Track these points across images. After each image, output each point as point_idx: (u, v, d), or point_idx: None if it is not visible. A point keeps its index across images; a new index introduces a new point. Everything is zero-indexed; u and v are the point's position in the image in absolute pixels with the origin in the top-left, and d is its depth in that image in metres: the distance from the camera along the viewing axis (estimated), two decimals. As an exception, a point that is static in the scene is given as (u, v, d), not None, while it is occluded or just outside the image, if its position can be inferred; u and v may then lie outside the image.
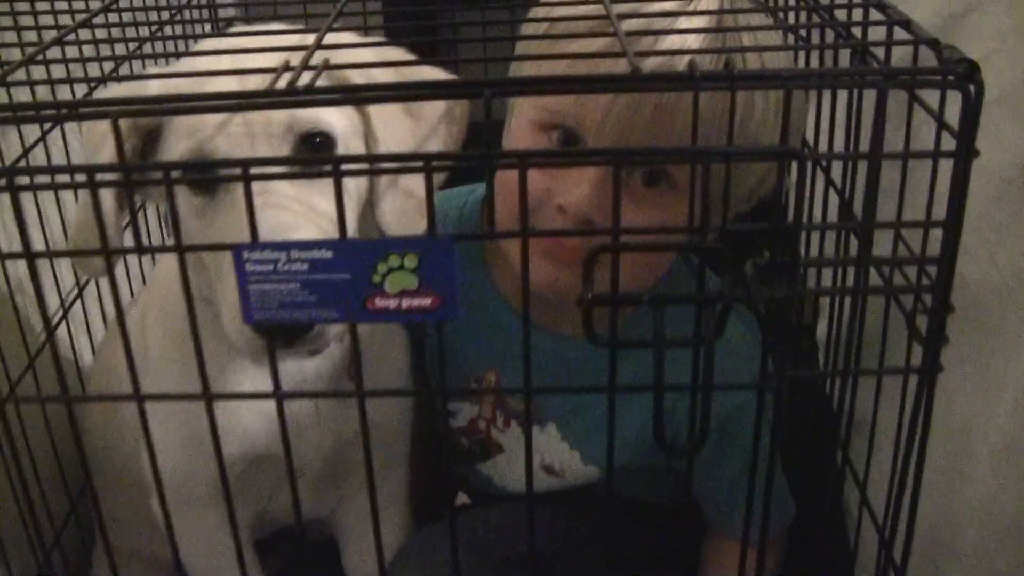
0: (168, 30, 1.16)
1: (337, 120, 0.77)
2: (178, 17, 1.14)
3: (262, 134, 0.73)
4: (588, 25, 0.71)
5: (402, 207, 0.83)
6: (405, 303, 0.59)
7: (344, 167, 0.56)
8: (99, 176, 0.57)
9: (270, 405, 0.87)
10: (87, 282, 1.16)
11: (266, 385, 0.88)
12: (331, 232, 0.71)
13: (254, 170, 0.56)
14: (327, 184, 0.57)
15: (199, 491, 0.89)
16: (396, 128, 0.80)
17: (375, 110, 0.78)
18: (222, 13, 1.31)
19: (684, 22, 0.78)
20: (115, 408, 1.02)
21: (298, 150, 0.75)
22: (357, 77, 0.74)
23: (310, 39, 0.73)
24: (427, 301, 0.59)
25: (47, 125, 0.94)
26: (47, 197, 1.09)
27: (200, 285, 0.74)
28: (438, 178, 0.87)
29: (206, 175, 0.62)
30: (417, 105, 0.81)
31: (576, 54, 0.75)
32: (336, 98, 0.56)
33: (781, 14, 0.79)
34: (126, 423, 1.01)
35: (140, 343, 0.96)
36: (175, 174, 0.58)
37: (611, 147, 0.77)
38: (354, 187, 0.78)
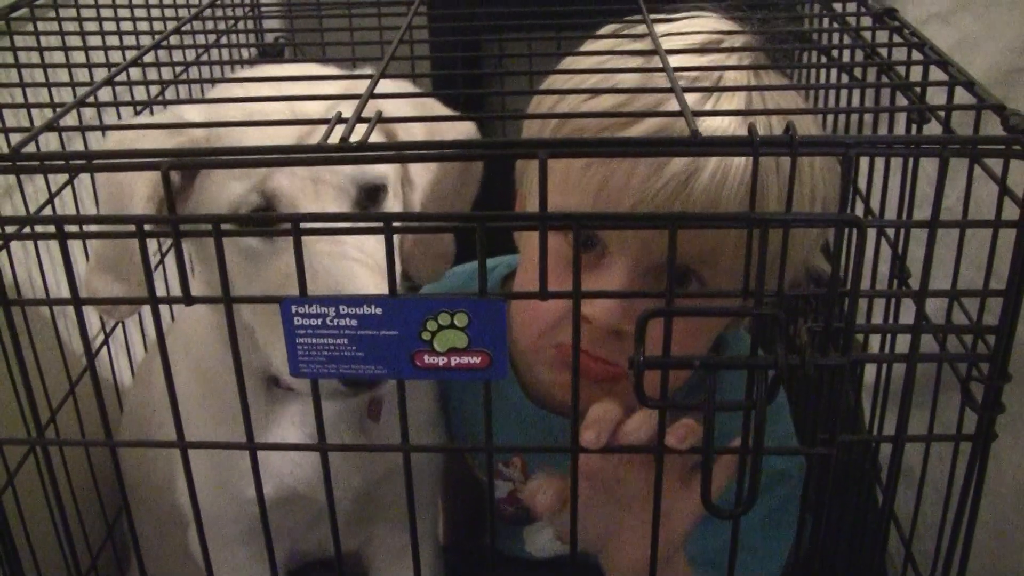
0: (214, 54, 1.17)
1: (389, 168, 0.78)
2: (224, 41, 1.14)
3: (329, 182, 0.72)
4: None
5: (425, 252, 0.83)
6: (454, 361, 0.59)
7: (395, 224, 0.56)
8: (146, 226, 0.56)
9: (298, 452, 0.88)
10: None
11: (292, 427, 0.89)
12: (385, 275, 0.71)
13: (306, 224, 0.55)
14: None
15: (229, 530, 0.89)
16: (424, 173, 0.81)
17: (414, 170, 0.79)
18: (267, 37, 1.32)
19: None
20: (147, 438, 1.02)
21: (359, 198, 0.75)
22: (400, 129, 0.74)
23: (352, 85, 0.73)
24: (476, 360, 0.59)
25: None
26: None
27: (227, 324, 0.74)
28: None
29: (260, 227, 0.61)
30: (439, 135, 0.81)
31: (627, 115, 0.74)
32: (390, 155, 0.56)
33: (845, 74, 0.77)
34: (159, 454, 1.01)
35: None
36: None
37: (634, 252, 0.77)
38: (399, 237, 0.79)
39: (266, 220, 0.60)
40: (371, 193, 0.76)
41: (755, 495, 0.62)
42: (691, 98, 0.73)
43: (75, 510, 0.97)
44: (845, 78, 0.87)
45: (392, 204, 0.78)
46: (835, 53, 0.87)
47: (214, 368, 0.88)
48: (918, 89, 0.69)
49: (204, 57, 1.07)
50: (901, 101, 0.74)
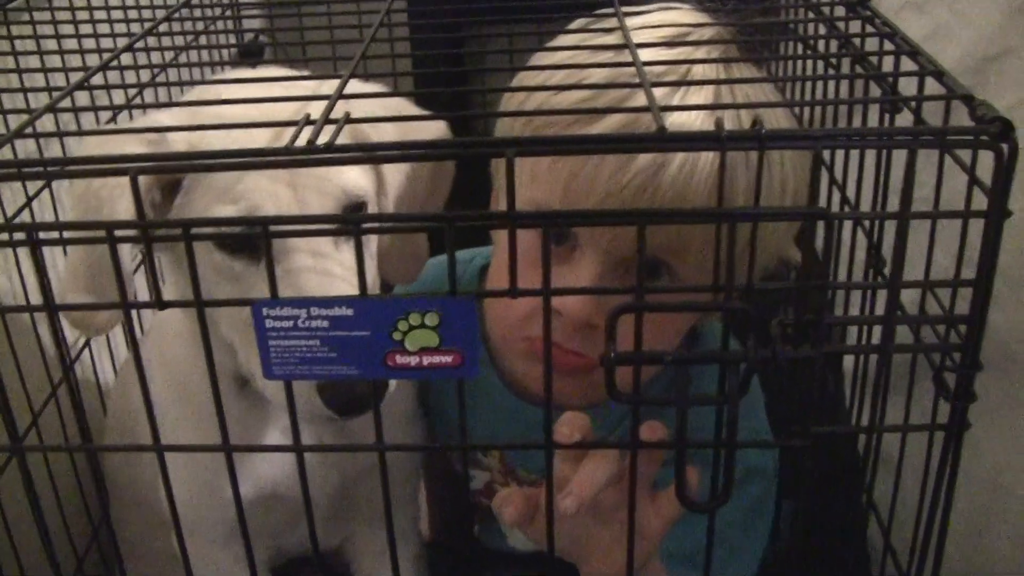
0: (192, 55, 1.17)
1: (367, 181, 0.77)
2: (203, 41, 1.13)
3: (312, 205, 0.72)
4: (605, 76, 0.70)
5: (400, 253, 0.84)
6: (426, 360, 0.59)
7: (365, 225, 0.56)
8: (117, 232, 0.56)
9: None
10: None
11: (269, 426, 0.89)
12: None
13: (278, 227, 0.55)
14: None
15: (211, 531, 0.90)
16: (396, 175, 0.81)
17: (387, 172, 0.79)
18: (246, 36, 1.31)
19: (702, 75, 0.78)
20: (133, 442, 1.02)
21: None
22: (371, 131, 0.74)
23: (325, 86, 0.73)
24: (448, 359, 0.59)
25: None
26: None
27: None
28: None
29: (238, 243, 0.60)
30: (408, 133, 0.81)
31: (595, 109, 0.74)
32: (359, 156, 0.55)
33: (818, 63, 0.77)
34: (144, 456, 1.01)
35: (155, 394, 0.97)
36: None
37: (604, 245, 0.77)
38: (375, 241, 0.79)
39: (236, 223, 0.60)
40: (353, 212, 0.75)
41: (730, 488, 0.62)
42: (659, 92, 0.74)
43: (59, 512, 0.97)
44: (818, 68, 0.87)
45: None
46: (808, 43, 0.87)
47: (188, 371, 0.88)
48: (891, 79, 0.69)
49: (182, 57, 1.07)
50: (874, 91, 0.74)
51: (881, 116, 0.71)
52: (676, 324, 0.83)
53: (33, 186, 0.92)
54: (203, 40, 1.23)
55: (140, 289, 1.03)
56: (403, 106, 0.81)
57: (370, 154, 0.54)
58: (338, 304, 0.58)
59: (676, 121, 0.73)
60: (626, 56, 0.67)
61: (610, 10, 0.77)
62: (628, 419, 0.91)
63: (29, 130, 0.63)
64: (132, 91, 1.00)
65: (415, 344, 0.58)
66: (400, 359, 0.59)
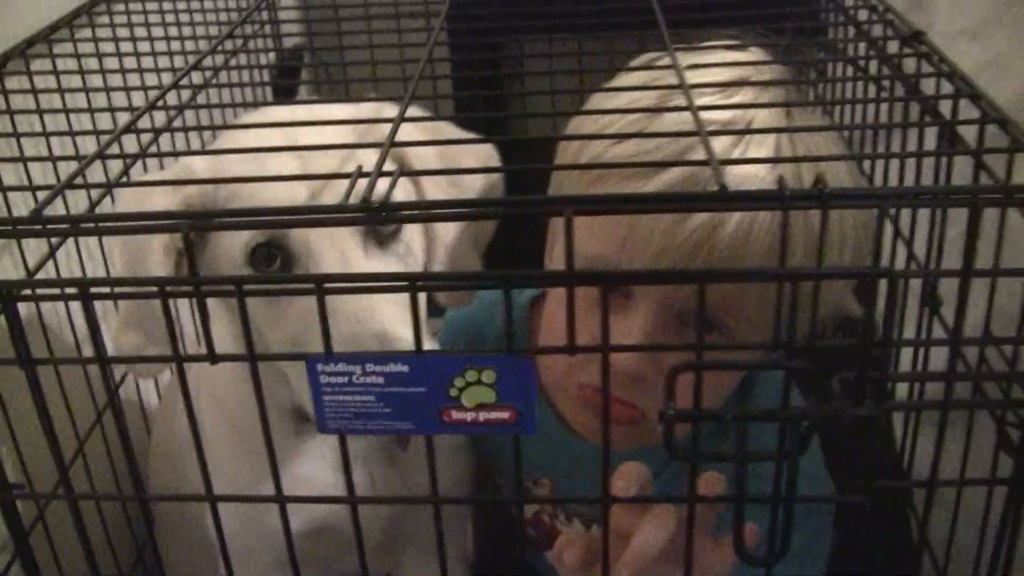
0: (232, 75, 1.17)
1: (405, 197, 0.77)
2: (233, 63, 1.13)
3: (340, 230, 0.72)
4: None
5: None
6: (483, 416, 0.58)
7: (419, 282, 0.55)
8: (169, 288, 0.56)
9: (328, 479, 0.88)
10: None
11: (320, 460, 0.88)
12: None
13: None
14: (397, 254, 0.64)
15: (258, 562, 0.89)
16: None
17: (428, 184, 0.78)
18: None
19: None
20: (180, 472, 1.02)
21: (373, 229, 0.75)
22: (416, 162, 0.74)
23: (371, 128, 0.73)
24: (505, 415, 0.58)
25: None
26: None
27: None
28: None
29: (279, 286, 0.60)
30: (459, 178, 0.81)
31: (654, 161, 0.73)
32: (416, 215, 0.55)
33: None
34: (189, 481, 1.01)
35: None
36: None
37: (659, 297, 0.77)
38: (419, 251, 0.78)
39: (288, 280, 0.60)
40: (387, 233, 0.76)
41: (788, 544, 0.62)
42: (719, 144, 0.72)
43: (104, 535, 0.97)
44: (881, 115, 0.85)
45: (411, 234, 0.77)
46: (863, 77, 0.85)
47: (237, 405, 0.88)
48: (950, 127, 0.67)
49: (222, 78, 1.06)
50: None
51: (937, 165, 0.70)
52: (729, 378, 0.82)
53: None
54: (242, 59, 1.23)
55: (187, 325, 1.04)
56: (448, 129, 0.80)
57: (426, 212, 0.53)
58: (393, 361, 0.57)
59: (737, 174, 0.72)
60: (682, 100, 0.66)
61: (662, 53, 0.76)
62: (677, 462, 0.90)
63: (80, 180, 0.63)
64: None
65: (472, 400, 0.58)
66: (456, 415, 0.58)
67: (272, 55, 1.55)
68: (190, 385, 0.97)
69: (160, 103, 0.76)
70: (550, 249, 0.89)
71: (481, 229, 0.84)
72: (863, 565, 0.97)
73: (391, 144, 0.61)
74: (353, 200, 0.53)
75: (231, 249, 0.76)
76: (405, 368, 0.57)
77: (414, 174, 0.57)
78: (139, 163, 0.71)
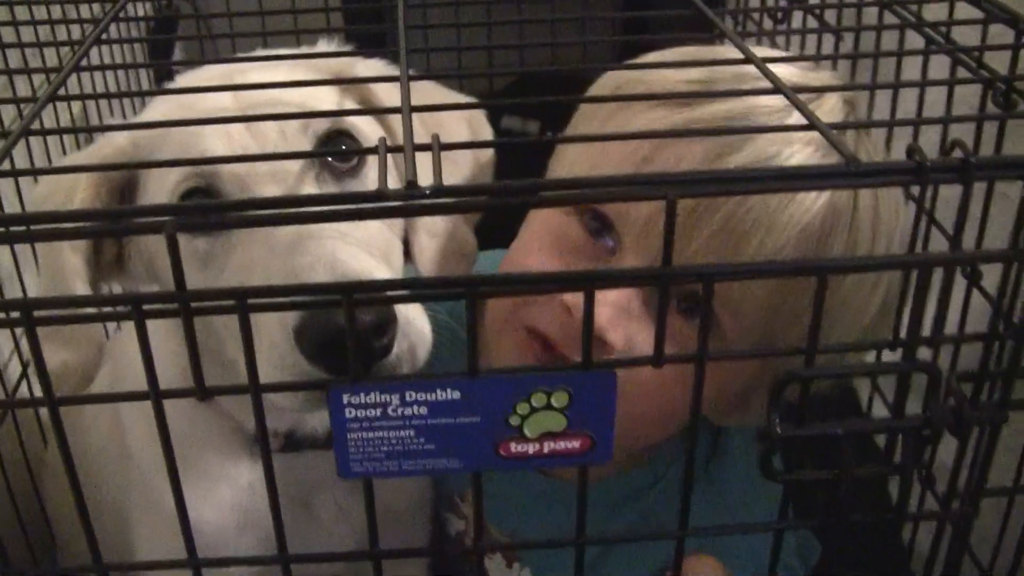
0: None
1: (360, 120, 0.67)
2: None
3: (273, 140, 0.63)
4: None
5: (445, 252, 0.71)
6: (548, 447, 0.47)
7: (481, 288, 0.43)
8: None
9: (286, 517, 0.76)
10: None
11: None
12: (381, 258, 0.60)
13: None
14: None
15: None
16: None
17: (395, 122, 0.67)
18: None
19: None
20: (91, 491, 0.87)
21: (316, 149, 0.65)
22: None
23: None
24: (575, 444, 0.48)
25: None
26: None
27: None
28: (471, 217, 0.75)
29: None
30: (439, 125, 0.70)
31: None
32: (475, 202, 0.43)
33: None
34: (101, 504, 0.87)
35: (112, 433, 0.82)
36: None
37: (649, 258, 0.67)
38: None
39: (316, 289, 0.47)
40: (334, 143, 0.65)
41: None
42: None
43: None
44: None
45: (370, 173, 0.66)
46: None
47: (173, 413, 0.74)
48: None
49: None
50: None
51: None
52: (730, 386, 0.73)
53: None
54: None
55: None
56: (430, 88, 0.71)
57: (478, 199, 0.41)
58: (442, 386, 0.45)
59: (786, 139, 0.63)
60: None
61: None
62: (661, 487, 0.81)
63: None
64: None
65: (536, 429, 0.47)
66: (516, 447, 0.47)
67: (147, 5, 1.37)
68: (107, 378, 0.83)
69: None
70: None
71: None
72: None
73: (411, 109, 0.48)
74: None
75: (157, 198, 0.65)
76: (456, 394, 0.46)
77: (450, 147, 0.44)
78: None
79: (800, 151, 0.64)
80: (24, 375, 0.98)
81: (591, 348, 0.45)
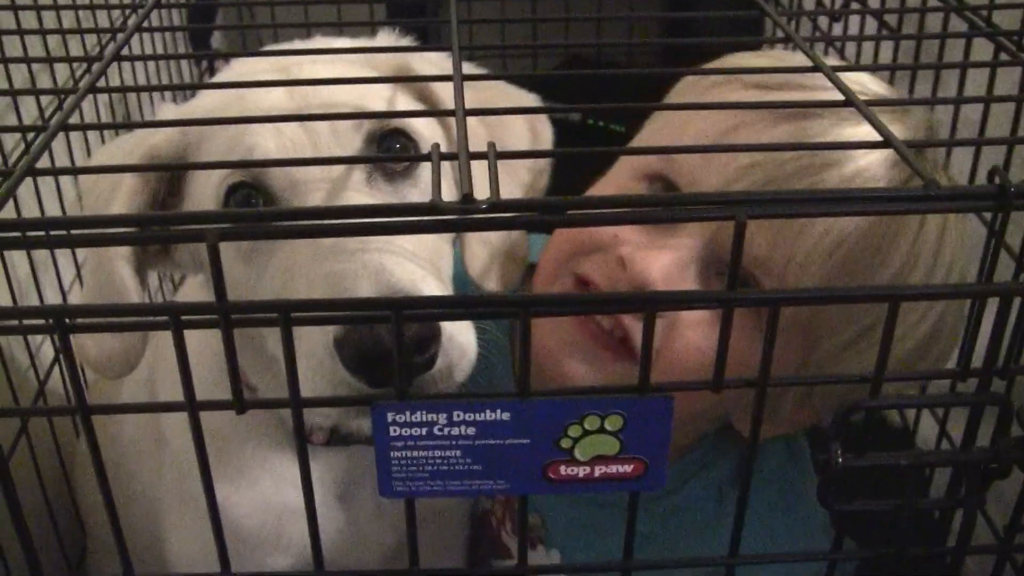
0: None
1: (420, 122, 0.65)
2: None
3: (326, 144, 0.61)
4: None
5: (491, 254, 0.69)
6: (599, 471, 0.46)
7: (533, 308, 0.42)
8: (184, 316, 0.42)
9: (321, 514, 0.74)
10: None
11: (316, 485, 0.74)
12: (428, 264, 0.58)
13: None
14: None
15: None
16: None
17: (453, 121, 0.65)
18: None
19: None
20: (123, 485, 0.87)
21: (369, 149, 0.63)
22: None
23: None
24: (628, 468, 0.46)
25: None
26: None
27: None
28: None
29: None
30: (501, 126, 0.69)
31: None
32: (529, 218, 0.41)
33: None
34: (133, 498, 0.86)
35: (147, 421, 0.81)
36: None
37: (710, 234, 0.66)
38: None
39: (366, 305, 0.45)
40: (388, 142, 0.63)
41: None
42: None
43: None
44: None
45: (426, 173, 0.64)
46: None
47: (221, 418, 0.73)
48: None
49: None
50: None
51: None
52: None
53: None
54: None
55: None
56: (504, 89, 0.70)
57: (544, 216, 0.39)
58: (491, 407, 0.44)
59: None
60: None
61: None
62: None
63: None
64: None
65: (588, 453, 0.45)
66: (565, 471, 0.46)
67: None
68: (143, 374, 0.82)
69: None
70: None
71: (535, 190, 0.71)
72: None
73: (466, 112, 0.46)
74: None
75: (202, 195, 0.63)
76: (506, 416, 0.44)
77: (508, 156, 0.43)
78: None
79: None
80: (56, 361, 0.97)
81: (645, 372, 0.43)
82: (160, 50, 1.06)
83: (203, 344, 0.65)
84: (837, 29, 0.89)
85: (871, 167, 0.62)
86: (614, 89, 1.12)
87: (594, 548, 0.82)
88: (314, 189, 0.59)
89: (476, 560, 0.93)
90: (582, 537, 0.83)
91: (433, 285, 0.54)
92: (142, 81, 1.03)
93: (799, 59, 0.60)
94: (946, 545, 0.65)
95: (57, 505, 0.90)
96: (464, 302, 0.46)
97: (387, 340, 0.47)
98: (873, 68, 0.75)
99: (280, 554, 0.74)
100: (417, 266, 0.55)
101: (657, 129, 0.75)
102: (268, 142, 0.60)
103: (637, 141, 0.77)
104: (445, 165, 0.44)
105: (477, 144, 0.45)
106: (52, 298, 0.92)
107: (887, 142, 0.44)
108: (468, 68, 0.71)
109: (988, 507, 0.68)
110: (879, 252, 0.63)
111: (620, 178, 0.75)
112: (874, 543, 0.50)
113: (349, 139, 0.61)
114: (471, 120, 0.67)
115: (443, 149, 0.42)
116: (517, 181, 0.68)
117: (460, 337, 0.53)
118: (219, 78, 0.70)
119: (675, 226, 0.69)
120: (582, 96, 1.59)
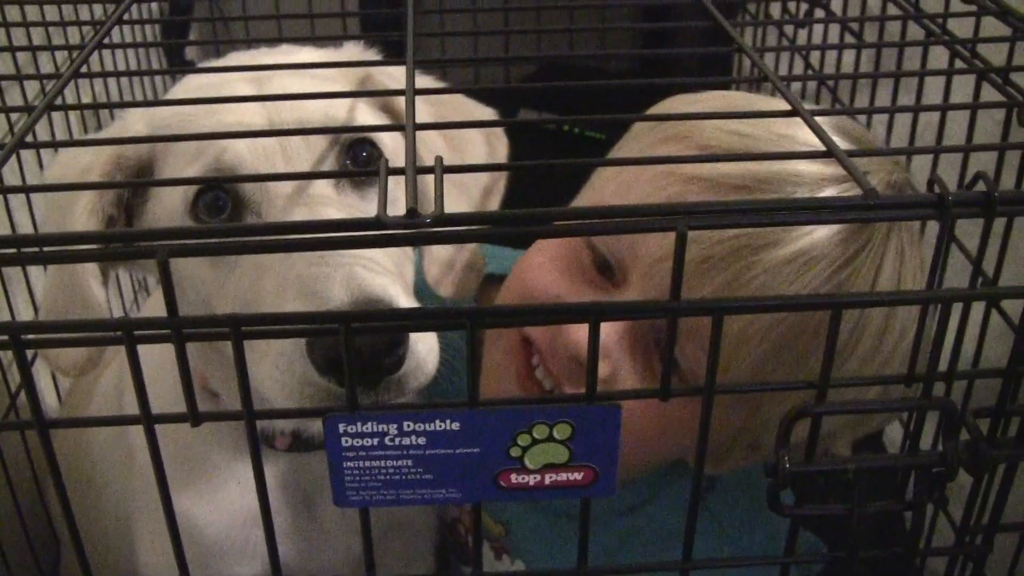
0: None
1: (368, 116, 0.66)
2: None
3: (300, 151, 0.62)
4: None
5: (447, 262, 0.70)
6: (549, 479, 0.46)
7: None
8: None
9: (286, 520, 0.75)
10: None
11: (274, 491, 0.74)
12: (395, 271, 0.59)
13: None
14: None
15: None
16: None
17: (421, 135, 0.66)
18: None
19: None
20: (94, 496, 0.87)
21: (340, 161, 0.64)
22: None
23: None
24: (577, 476, 0.46)
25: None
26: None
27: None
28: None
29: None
30: (460, 140, 0.69)
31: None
32: (466, 232, 0.42)
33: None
34: (104, 510, 0.86)
35: (117, 435, 0.82)
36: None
37: (655, 295, 0.65)
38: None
39: (318, 318, 0.45)
40: (362, 160, 0.64)
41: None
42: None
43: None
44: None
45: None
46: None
47: (183, 430, 0.73)
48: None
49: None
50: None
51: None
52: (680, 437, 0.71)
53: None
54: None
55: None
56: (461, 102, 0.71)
57: (486, 229, 0.40)
58: (441, 417, 0.44)
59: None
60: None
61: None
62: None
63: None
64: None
65: (538, 461, 0.46)
66: (516, 479, 0.46)
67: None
68: (112, 382, 0.83)
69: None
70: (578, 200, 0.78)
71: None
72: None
73: (415, 126, 0.47)
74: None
75: (170, 200, 0.63)
76: (456, 425, 0.44)
77: (457, 170, 0.44)
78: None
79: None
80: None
81: (593, 380, 0.43)
82: (133, 65, 1.07)
83: (168, 352, 0.65)
84: (802, 37, 0.90)
85: (816, 246, 0.61)
86: (591, 95, 1.13)
87: (558, 558, 0.83)
88: (283, 192, 0.60)
89: (445, 568, 0.94)
90: (546, 547, 0.83)
91: (398, 288, 0.55)
92: (115, 96, 1.04)
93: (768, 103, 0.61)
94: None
95: (30, 514, 0.90)
96: (411, 314, 0.47)
97: (358, 341, 0.48)
98: (837, 77, 0.75)
99: (248, 561, 0.74)
100: (383, 269, 0.56)
101: (600, 187, 0.75)
102: (239, 144, 0.61)
103: (579, 201, 0.77)
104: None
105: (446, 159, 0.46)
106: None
107: (829, 151, 0.44)
108: (429, 82, 0.72)
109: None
110: (818, 334, 0.62)
111: (552, 243, 0.74)
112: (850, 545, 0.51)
113: (318, 145, 0.62)
114: (434, 135, 0.68)
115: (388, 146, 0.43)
116: (467, 199, 0.68)
117: (425, 340, 0.54)
118: (190, 83, 0.71)
119: (618, 286, 0.69)
120: (559, 102, 1.60)
